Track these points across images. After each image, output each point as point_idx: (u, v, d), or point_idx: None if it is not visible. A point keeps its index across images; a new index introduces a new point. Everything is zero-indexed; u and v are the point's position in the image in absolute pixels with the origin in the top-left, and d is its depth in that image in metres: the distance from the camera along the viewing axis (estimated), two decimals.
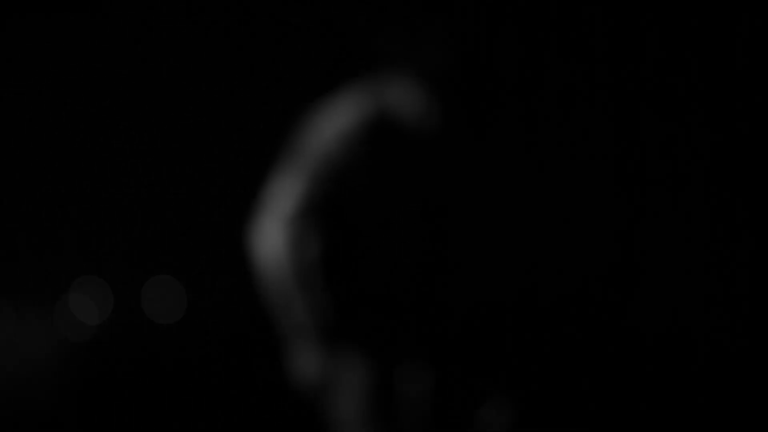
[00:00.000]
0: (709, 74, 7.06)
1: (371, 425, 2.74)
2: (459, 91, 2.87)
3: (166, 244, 7.27)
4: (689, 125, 7.17)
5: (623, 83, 7.30)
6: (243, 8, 7.60)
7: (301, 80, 7.76)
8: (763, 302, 6.66)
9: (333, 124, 2.84)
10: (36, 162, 7.62)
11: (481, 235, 2.98)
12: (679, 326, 6.98)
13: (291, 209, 2.72)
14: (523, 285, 3.01)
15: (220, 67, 8.06)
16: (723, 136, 7.06)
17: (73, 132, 8.10)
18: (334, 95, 2.91)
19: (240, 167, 7.07)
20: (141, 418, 6.14)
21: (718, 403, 5.72)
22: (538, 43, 6.82)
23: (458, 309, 2.94)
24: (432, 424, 2.92)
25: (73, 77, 8.14)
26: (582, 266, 6.73)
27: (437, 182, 2.95)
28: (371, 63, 2.99)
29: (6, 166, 7.38)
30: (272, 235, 2.73)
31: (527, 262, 3.05)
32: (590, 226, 6.92)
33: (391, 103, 2.88)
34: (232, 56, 8.12)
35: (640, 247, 7.34)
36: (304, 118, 2.90)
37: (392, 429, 2.80)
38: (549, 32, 7.01)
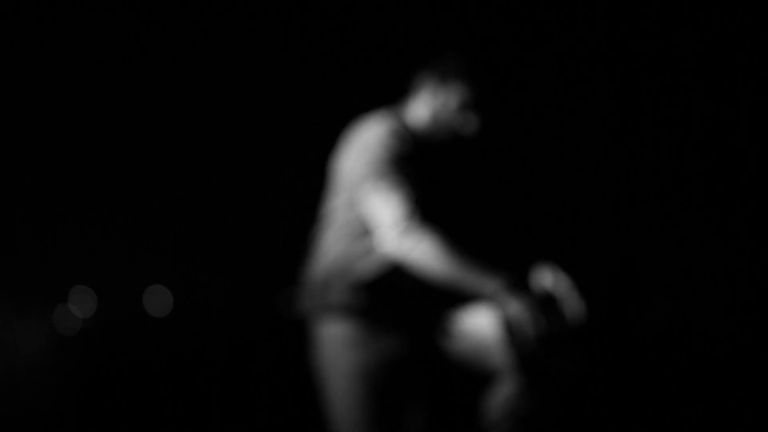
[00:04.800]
0: (708, 74, 7.06)
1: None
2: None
3: (160, 258, 7.87)
4: (688, 125, 7.17)
5: (623, 83, 7.30)
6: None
7: (295, 92, 7.83)
8: (763, 302, 6.65)
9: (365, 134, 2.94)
10: (41, 187, 7.94)
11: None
12: (679, 325, 6.96)
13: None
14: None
15: (219, 88, 8.14)
16: (723, 136, 7.06)
17: (73, 158, 8.27)
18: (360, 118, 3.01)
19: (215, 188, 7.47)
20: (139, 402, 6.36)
21: (718, 402, 5.72)
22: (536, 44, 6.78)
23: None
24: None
25: (73, 97, 8.22)
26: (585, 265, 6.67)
27: (442, 177, 3.00)
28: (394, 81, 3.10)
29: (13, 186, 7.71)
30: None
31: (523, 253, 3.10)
32: (590, 225, 6.86)
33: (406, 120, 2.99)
34: (231, 71, 8.16)
35: (641, 247, 7.33)
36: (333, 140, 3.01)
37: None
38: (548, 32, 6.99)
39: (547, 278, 2.92)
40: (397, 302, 2.96)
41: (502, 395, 2.82)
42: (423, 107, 2.96)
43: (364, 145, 2.91)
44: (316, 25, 7.76)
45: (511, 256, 3.03)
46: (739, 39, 6.86)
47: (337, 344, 2.93)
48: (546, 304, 2.79)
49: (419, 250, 2.82)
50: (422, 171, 2.93)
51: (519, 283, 2.76)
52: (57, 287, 9.89)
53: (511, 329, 2.77)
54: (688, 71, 7.11)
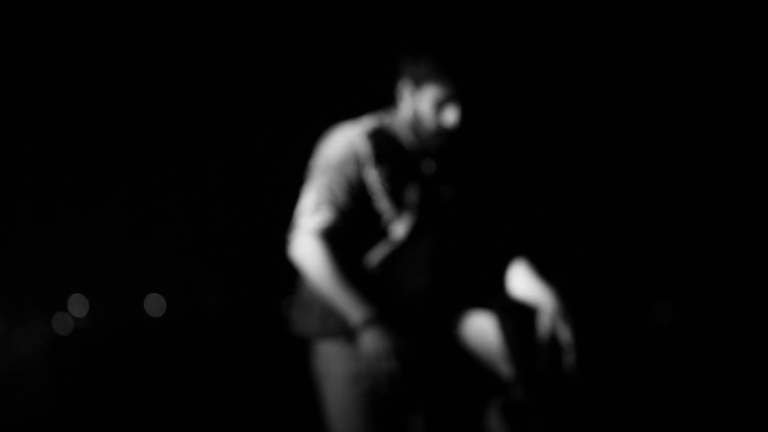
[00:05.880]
0: (708, 74, 7.05)
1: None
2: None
3: (156, 266, 8.21)
4: (688, 125, 7.16)
5: (623, 83, 7.29)
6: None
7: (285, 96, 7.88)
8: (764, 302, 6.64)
9: (341, 140, 2.95)
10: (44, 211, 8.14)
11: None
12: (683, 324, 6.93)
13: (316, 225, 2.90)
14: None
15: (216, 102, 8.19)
16: (723, 136, 7.05)
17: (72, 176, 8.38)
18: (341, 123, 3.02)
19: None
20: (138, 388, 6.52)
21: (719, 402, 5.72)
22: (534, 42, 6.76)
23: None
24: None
25: (70, 108, 8.27)
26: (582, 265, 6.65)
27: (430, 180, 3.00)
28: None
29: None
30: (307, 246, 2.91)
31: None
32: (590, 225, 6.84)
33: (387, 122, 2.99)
34: (231, 71, 8.17)
35: (641, 247, 7.31)
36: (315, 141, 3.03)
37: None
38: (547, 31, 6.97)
39: (524, 289, 2.92)
40: (385, 308, 2.96)
41: (503, 403, 2.83)
42: (406, 111, 2.97)
43: (317, 153, 2.97)
44: (316, 25, 7.76)
45: (508, 257, 3.03)
46: (739, 39, 6.85)
47: (329, 357, 2.95)
48: (522, 315, 2.80)
49: (299, 254, 2.89)
50: (396, 176, 2.92)
51: (383, 319, 2.79)
52: (56, 293, 9.94)
53: (509, 339, 2.77)
54: (688, 71, 7.11)
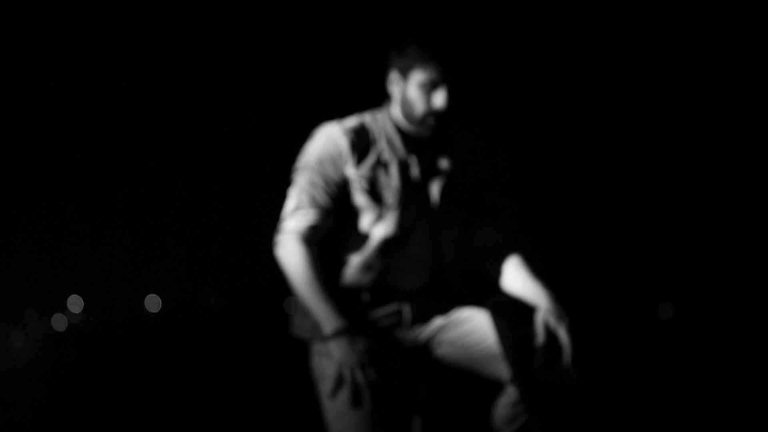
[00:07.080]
0: (708, 73, 7.04)
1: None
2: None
3: (153, 268, 8.50)
4: (689, 125, 7.15)
5: (623, 84, 7.28)
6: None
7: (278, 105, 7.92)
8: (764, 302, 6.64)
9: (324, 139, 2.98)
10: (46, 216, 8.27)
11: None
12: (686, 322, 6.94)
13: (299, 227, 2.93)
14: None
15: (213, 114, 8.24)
16: (723, 136, 7.04)
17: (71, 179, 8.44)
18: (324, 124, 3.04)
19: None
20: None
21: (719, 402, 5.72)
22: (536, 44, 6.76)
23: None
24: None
25: (70, 108, 8.29)
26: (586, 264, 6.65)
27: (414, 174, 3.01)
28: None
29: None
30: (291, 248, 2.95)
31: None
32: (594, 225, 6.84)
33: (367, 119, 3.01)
34: (230, 73, 8.18)
35: (641, 247, 7.30)
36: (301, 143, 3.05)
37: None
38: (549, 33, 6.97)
39: (520, 288, 2.94)
40: (378, 307, 2.97)
41: (503, 402, 2.84)
42: (395, 104, 2.98)
43: (301, 153, 3.01)
44: (316, 24, 7.77)
45: (504, 256, 3.03)
46: (739, 39, 6.86)
47: (324, 357, 2.96)
48: (518, 314, 2.82)
49: (281, 256, 2.94)
50: (378, 172, 2.93)
51: (354, 330, 2.83)
52: (56, 294, 9.95)
53: (505, 338, 2.79)
54: (688, 71, 7.11)
